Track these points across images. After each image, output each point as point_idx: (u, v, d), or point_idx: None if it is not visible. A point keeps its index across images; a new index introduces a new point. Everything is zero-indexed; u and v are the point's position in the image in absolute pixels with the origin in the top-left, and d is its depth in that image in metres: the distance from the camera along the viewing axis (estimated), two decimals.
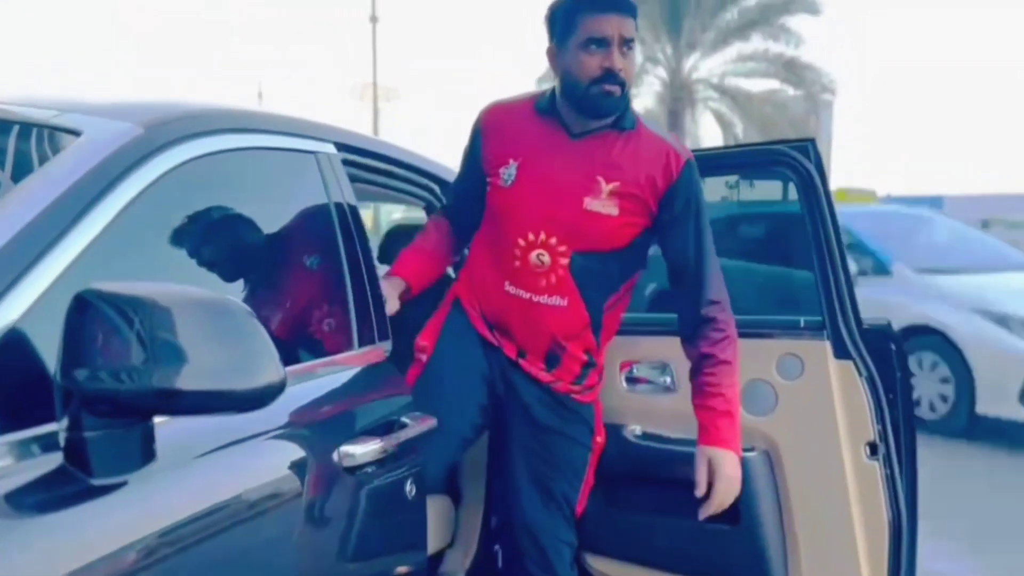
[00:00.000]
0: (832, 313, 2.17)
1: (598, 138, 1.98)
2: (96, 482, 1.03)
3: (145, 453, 1.09)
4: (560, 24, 1.95)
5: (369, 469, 1.50)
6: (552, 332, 2.05)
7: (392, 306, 1.98)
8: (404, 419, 1.65)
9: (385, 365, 1.73)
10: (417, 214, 2.80)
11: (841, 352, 2.17)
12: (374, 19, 34.92)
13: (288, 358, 1.48)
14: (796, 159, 2.16)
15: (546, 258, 1.98)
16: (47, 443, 1.04)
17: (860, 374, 2.16)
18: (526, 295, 2.02)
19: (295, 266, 1.69)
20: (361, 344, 1.70)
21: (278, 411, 1.30)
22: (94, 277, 1.08)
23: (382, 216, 13.56)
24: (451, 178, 2.50)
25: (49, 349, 1.04)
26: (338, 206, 1.77)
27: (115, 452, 1.05)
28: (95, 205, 1.20)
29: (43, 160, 1.28)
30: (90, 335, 1.00)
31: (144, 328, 1.01)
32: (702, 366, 2.04)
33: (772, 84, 26.65)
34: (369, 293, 1.75)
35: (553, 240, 1.97)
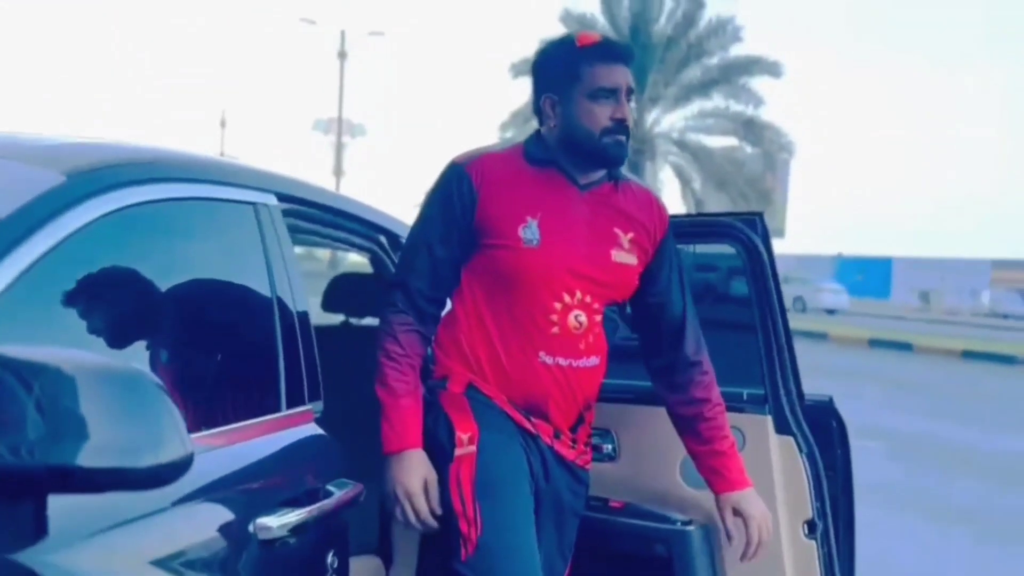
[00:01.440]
0: (775, 387, 2.16)
1: (602, 190, 1.95)
2: None
3: (35, 530, 1.01)
4: (560, 73, 1.90)
5: (289, 541, 1.43)
6: (586, 396, 1.96)
7: (431, 477, 1.85)
8: (329, 487, 1.58)
9: (313, 427, 1.66)
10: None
11: (782, 427, 2.15)
12: (342, 55, 35.17)
13: (208, 422, 1.43)
14: (743, 232, 2.16)
15: (583, 318, 1.88)
16: None
17: (800, 450, 2.14)
18: (565, 362, 1.89)
19: (222, 324, 1.62)
20: (289, 405, 1.63)
21: (189, 482, 1.23)
22: None
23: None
24: (400, 229, 2.45)
25: None
26: (274, 260, 1.71)
27: (3, 528, 0.98)
28: (3, 259, 1.13)
29: None
30: None
31: (43, 397, 0.94)
32: (701, 412, 2.00)
33: (731, 141, 27.18)
34: (301, 352, 1.69)
35: (588, 298, 1.89)
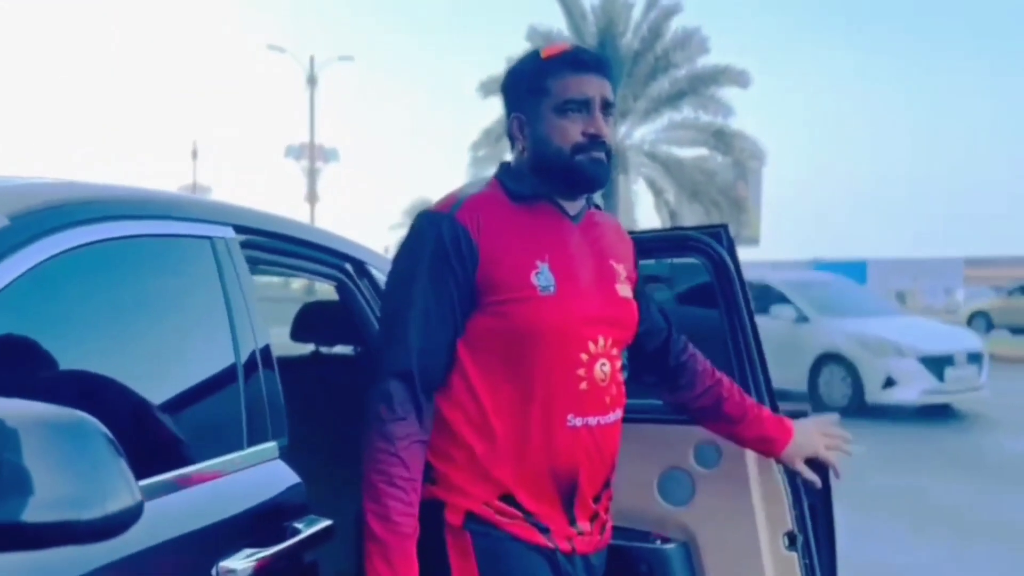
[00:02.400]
0: None
1: (588, 219, 1.79)
2: None
3: None
4: (526, 89, 1.72)
5: None
6: (613, 457, 1.76)
7: None
8: (296, 524, 1.54)
9: (277, 464, 1.62)
10: None
11: None
12: (312, 80, 35.15)
13: (166, 464, 1.39)
14: (709, 244, 2.15)
15: (608, 367, 1.69)
16: None
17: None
18: (594, 421, 1.67)
19: (179, 363, 1.58)
20: (251, 443, 1.59)
21: (146, 529, 1.20)
22: None
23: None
24: (366, 255, 2.42)
25: None
26: (233, 294, 1.68)
27: None
28: None
29: None
30: None
31: None
32: (720, 394, 1.94)
33: (702, 152, 27.34)
34: (264, 387, 1.66)
35: (610, 342, 1.71)
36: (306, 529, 1.55)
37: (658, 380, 2.00)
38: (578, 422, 1.65)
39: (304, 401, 2.92)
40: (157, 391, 1.51)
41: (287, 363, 3.10)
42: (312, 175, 36.17)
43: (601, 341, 1.68)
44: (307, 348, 3.07)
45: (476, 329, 1.64)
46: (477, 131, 27.15)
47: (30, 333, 1.28)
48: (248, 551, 1.40)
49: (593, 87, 1.69)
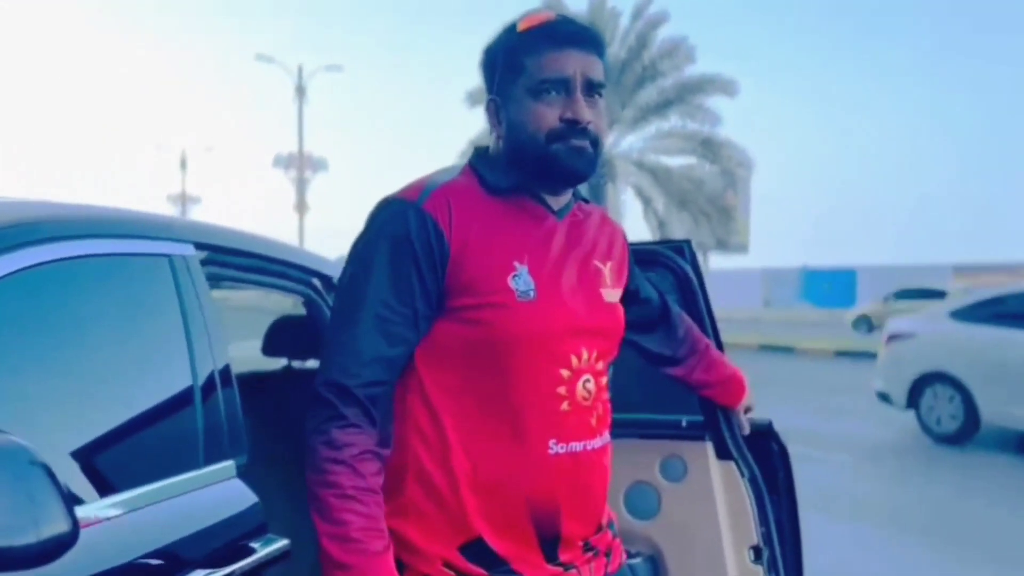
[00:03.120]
0: (713, 413, 2.14)
1: (574, 214, 1.59)
2: None
3: None
4: (502, 65, 1.49)
5: None
6: (603, 491, 1.56)
7: None
8: (251, 544, 1.54)
9: (234, 483, 1.62)
10: None
11: (723, 453, 2.14)
12: (300, 90, 35.12)
13: (120, 484, 1.39)
14: (672, 259, 2.16)
15: (592, 384, 1.49)
16: None
17: (742, 475, 2.13)
18: (579, 446, 1.47)
19: (134, 383, 1.57)
20: (208, 462, 1.59)
21: (93, 551, 1.19)
22: None
23: None
24: (335, 271, 2.42)
25: None
26: (191, 312, 1.67)
27: None
28: None
29: None
30: None
31: None
32: (699, 344, 1.97)
33: (690, 160, 27.44)
34: (222, 405, 1.65)
35: (595, 355, 1.50)
36: (262, 549, 1.54)
37: (671, 356, 1.96)
38: (560, 449, 1.44)
39: (275, 415, 2.93)
40: (111, 411, 1.50)
41: (260, 378, 3.11)
42: (301, 185, 36.12)
43: (585, 354, 1.48)
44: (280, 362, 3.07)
45: (440, 338, 1.43)
46: (464, 140, 27.25)
47: None
48: (201, 572, 1.39)
49: (573, 64, 1.45)
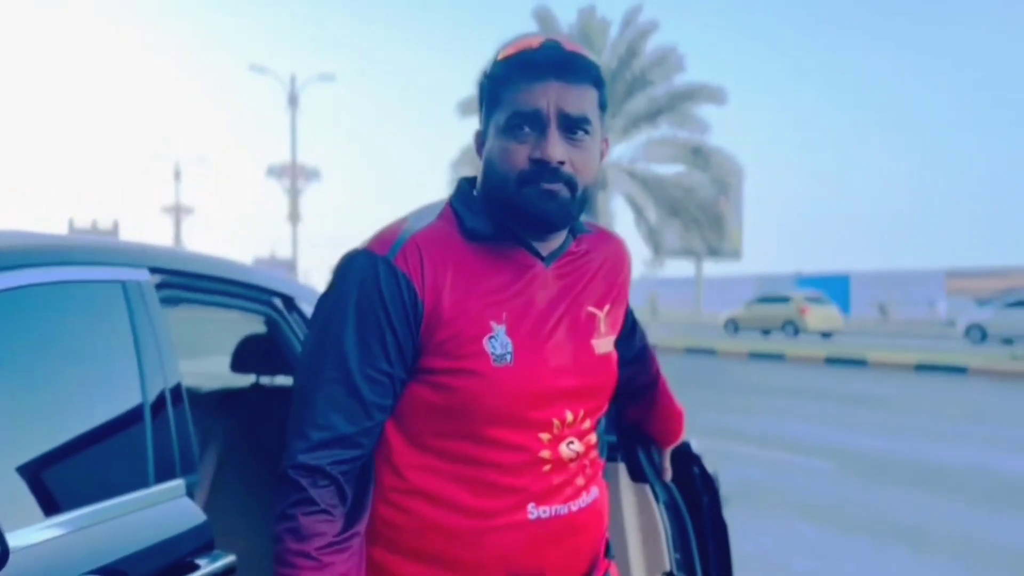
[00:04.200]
0: (627, 433, 2.04)
1: (567, 256, 1.44)
2: None
3: None
4: (486, 97, 1.38)
5: None
6: (595, 543, 1.47)
7: None
8: (196, 560, 1.59)
9: (182, 501, 1.67)
10: None
11: (637, 475, 2.05)
12: (293, 100, 35.20)
13: (70, 503, 1.44)
14: None
15: (577, 445, 1.39)
16: None
17: (657, 499, 2.03)
18: (564, 509, 1.38)
19: (84, 405, 1.63)
20: (158, 480, 1.64)
21: (46, 570, 1.25)
22: None
23: None
24: (296, 291, 2.48)
25: None
26: (143, 336, 1.73)
27: None
28: None
29: None
30: None
31: None
32: (655, 385, 1.83)
33: (680, 168, 27.58)
34: (173, 426, 1.71)
35: (581, 414, 1.39)
36: (208, 565, 1.60)
37: (632, 390, 1.81)
38: (543, 513, 1.35)
39: (245, 430, 2.98)
40: (61, 432, 1.56)
41: (230, 394, 3.17)
42: (294, 194, 36.16)
43: (569, 416, 1.37)
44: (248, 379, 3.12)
45: (409, 402, 1.34)
46: (456, 150, 27.36)
47: None
48: None
49: (547, 96, 1.29)
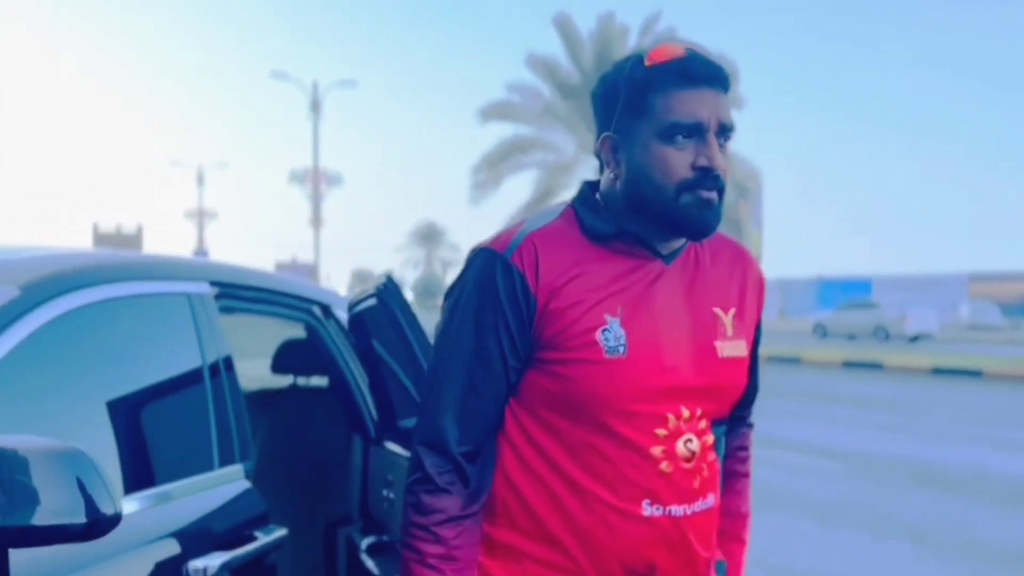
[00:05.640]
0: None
1: (689, 255, 1.48)
2: None
3: None
4: (625, 101, 1.39)
5: None
6: (708, 553, 1.47)
7: None
8: (255, 532, 1.87)
9: (241, 483, 1.95)
10: None
11: None
12: (315, 106, 35.68)
13: (151, 481, 1.72)
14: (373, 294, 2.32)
15: (695, 444, 1.40)
16: None
17: None
18: (679, 511, 1.39)
19: (162, 400, 1.91)
20: (221, 464, 1.92)
21: (135, 532, 1.53)
22: None
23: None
24: (332, 300, 2.75)
25: None
26: (206, 340, 2.01)
27: None
28: None
29: None
30: None
31: (3, 474, 1.23)
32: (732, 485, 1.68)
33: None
34: (232, 419, 1.99)
35: (699, 413, 1.41)
36: (263, 537, 1.87)
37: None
38: (656, 511, 1.38)
39: (282, 427, 3.28)
40: (144, 423, 1.84)
41: (270, 393, 3.46)
42: (316, 199, 36.58)
43: (685, 413, 1.39)
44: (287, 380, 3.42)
45: (530, 390, 1.41)
46: (477, 155, 27.66)
47: (42, 379, 1.60)
48: (214, 553, 1.72)
49: (707, 106, 1.35)
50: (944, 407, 12.79)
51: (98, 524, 1.30)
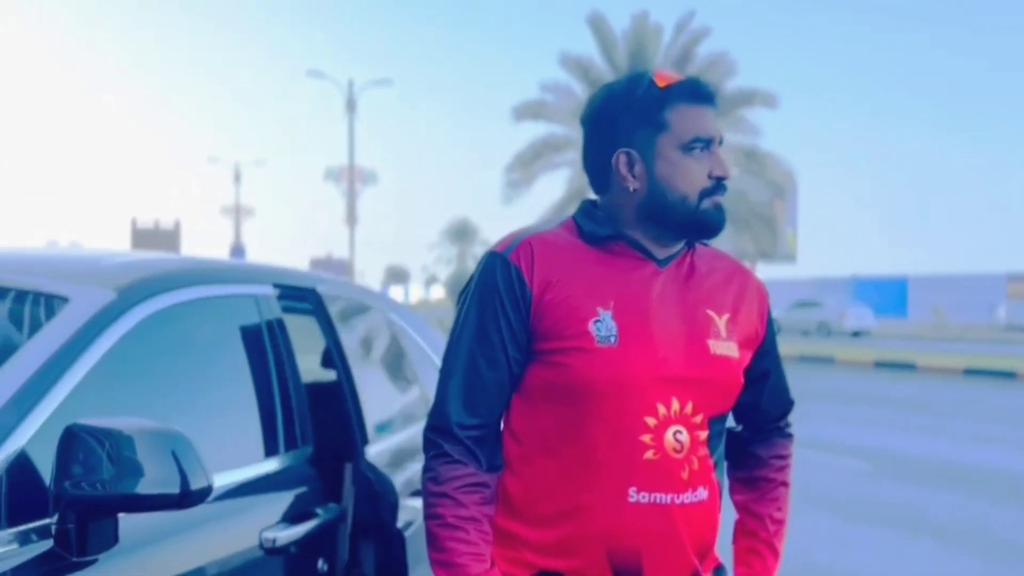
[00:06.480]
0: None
1: (684, 261, 1.58)
2: (76, 560, 1.47)
3: (110, 538, 1.52)
4: (638, 121, 1.51)
5: (289, 549, 1.95)
6: (699, 544, 1.52)
7: None
8: (318, 509, 2.09)
9: (304, 466, 2.18)
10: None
11: None
12: (351, 105, 36.07)
13: (228, 463, 1.95)
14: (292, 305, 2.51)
15: (684, 436, 1.47)
16: (42, 532, 1.48)
17: None
18: (666, 499, 1.46)
19: (235, 389, 2.14)
20: (287, 449, 2.15)
21: (215, 505, 1.76)
22: (79, 412, 1.54)
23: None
24: (379, 301, 2.98)
25: (46, 465, 1.49)
26: (272, 336, 2.23)
27: (90, 538, 1.49)
28: (80, 357, 1.66)
29: (46, 319, 1.74)
30: (74, 456, 1.44)
31: (112, 451, 1.46)
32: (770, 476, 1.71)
33: (733, 172, 27.74)
34: (295, 409, 2.21)
35: (689, 407, 1.48)
36: (324, 514, 2.10)
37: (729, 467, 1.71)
38: (643, 498, 1.45)
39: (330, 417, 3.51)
40: (222, 410, 2.08)
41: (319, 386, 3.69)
42: (351, 197, 36.95)
43: (675, 404, 1.46)
44: None
45: (531, 382, 1.51)
46: (510, 154, 27.87)
47: (139, 371, 1.84)
48: (283, 525, 1.95)
49: (713, 121, 1.52)
50: (974, 408, 12.80)
51: (192, 495, 1.52)
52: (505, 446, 1.53)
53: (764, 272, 46.86)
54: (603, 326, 1.45)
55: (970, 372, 17.54)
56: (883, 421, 11.30)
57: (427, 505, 1.49)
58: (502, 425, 1.54)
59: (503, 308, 1.48)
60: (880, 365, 19.57)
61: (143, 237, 56.79)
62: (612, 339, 1.45)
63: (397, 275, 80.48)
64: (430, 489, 1.48)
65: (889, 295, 46.42)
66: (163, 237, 58.17)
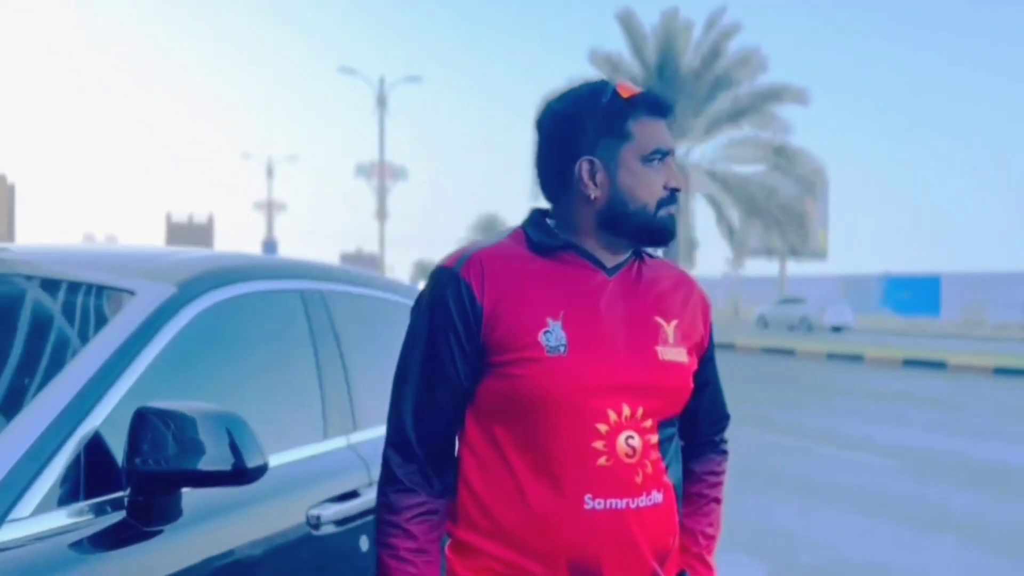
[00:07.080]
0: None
1: (631, 269, 1.61)
2: (146, 529, 1.63)
3: (176, 511, 1.68)
4: (602, 129, 1.53)
5: (333, 526, 2.10)
6: (657, 548, 1.54)
7: None
8: (359, 490, 2.24)
9: (347, 451, 2.32)
10: None
11: None
12: (381, 100, 36.33)
13: (277, 445, 2.10)
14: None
15: (636, 441, 1.49)
16: (116, 504, 1.64)
17: None
18: (622, 504, 1.48)
19: (284, 379, 2.30)
20: (328, 436, 2.30)
21: (267, 483, 1.91)
22: (147, 395, 1.70)
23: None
24: (408, 296, 3.12)
25: (118, 444, 1.64)
26: (316, 329, 2.38)
27: (158, 510, 1.65)
28: (147, 346, 1.82)
29: (113, 312, 1.90)
30: (144, 436, 1.59)
31: (177, 431, 1.61)
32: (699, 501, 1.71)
33: (762, 168, 27.66)
34: (337, 398, 2.36)
35: (640, 412, 1.50)
36: (367, 494, 2.24)
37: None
38: (598, 504, 1.47)
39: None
40: (277, 395, 2.24)
41: None
42: (382, 193, 37.22)
43: (626, 410, 1.49)
44: None
45: (484, 394, 1.53)
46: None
47: (198, 359, 1.99)
48: (329, 504, 2.10)
49: (669, 135, 1.57)
50: (1003, 407, 12.75)
51: (248, 472, 1.67)
52: (462, 459, 1.56)
53: (793, 269, 46.66)
54: (552, 336, 1.48)
55: (1000, 371, 17.43)
56: (911, 419, 11.30)
57: (380, 531, 1.54)
58: (457, 440, 1.57)
59: (453, 324, 1.50)
60: (908, 363, 19.48)
61: (177, 231, 57.51)
62: (562, 348, 1.47)
63: (426, 270, 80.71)
64: (384, 517, 1.53)
65: (921, 293, 45.95)
66: (197, 231, 58.86)
